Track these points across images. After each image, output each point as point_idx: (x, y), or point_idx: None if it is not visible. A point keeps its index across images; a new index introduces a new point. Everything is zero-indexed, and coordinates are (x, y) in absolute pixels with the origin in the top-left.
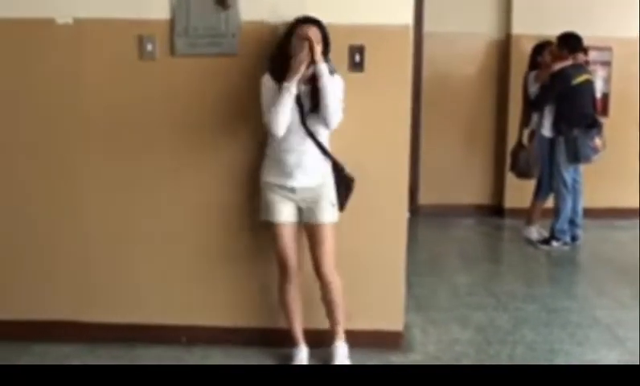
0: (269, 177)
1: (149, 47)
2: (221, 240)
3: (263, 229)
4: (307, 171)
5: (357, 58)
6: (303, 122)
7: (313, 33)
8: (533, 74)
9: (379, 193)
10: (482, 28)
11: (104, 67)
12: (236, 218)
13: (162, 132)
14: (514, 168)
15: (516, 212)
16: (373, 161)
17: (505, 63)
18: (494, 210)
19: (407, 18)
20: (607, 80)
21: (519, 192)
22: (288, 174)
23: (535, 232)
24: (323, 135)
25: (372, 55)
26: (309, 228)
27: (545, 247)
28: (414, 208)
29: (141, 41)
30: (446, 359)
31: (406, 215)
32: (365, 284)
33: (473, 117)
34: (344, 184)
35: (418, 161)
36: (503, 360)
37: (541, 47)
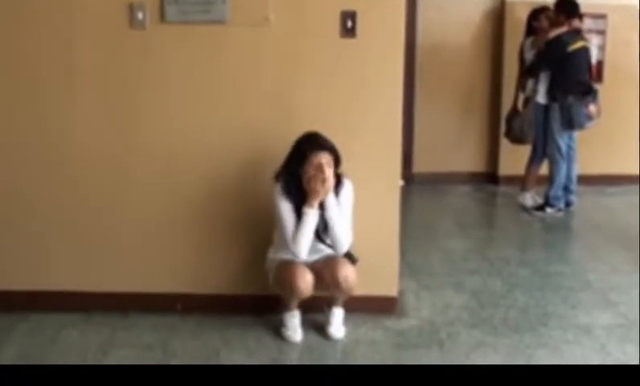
0: (282, 255)
1: (140, 15)
2: (216, 207)
3: (258, 196)
4: (321, 252)
5: (349, 24)
6: (318, 237)
7: (326, 160)
8: (529, 40)
9: (373, 160)
10: None
11: (95, 36)
12: (232, 185)
13: (154, 99)
14: (508, 134)
15: (511, 179)
16: (366, 128)
17: (499, 29)
18: (489, 177)
19: None
20: (602, 48)
21: (514, 159)
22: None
23: (530, 198)
24: None
25: (364, 20)
26: (324, 261)
27: (539, 213)
28: (409, 176)
29: (131, 9)
30: (440, 323)
31: (400, 182)
32: (360, 250)
33: (468, 85)
34: (351, 260)
35: (413, 128)
36: (497, 323)
37: (538, 13)
